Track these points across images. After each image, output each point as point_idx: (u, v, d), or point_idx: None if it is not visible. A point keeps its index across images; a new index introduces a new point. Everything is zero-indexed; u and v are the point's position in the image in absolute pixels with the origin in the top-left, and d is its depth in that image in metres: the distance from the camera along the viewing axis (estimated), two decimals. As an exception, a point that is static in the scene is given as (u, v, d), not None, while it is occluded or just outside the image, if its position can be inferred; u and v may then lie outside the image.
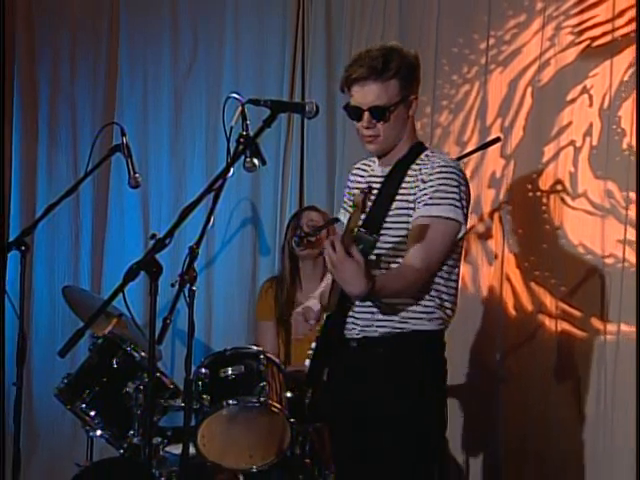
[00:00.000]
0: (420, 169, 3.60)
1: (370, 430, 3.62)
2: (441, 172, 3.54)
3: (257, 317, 5.46)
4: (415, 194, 3.56)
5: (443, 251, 3.56)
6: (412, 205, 3.56)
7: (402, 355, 3.62)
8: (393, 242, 3.59)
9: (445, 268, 3.63)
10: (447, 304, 3.66)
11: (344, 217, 3.88)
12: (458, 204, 3.53)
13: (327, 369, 3.76)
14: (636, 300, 4.79)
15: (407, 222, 3.57)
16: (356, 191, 3.61)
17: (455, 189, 3.53)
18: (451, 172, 3.55)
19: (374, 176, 3.75)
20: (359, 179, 3.83)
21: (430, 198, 3.52)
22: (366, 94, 3.59)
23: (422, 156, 3.65)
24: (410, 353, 3.63)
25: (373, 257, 3.56)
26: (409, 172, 3.62)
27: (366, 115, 3.60)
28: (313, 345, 3.85)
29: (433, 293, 3.62)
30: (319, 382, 3.82)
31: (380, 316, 3.61)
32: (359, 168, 3.87)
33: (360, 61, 3.60)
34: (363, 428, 3.64)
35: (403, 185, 3.61)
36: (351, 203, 3.70)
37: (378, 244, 3.51)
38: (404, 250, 3.55)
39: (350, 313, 3.67)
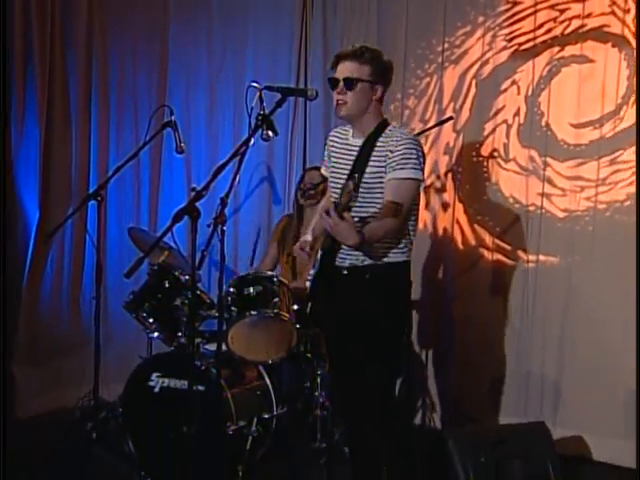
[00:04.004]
0: (387, 141, 3.57)
1: (357, 335, 3.62)
2: (404, 144, 3.53)
3: (271, 238, 5.46)
4: (385, 160, 3.55)
5: (410, 203, 3.57)
6: (383, 169, 3.55)
7: (382, 279, 3.63)
8: (369, 196, 3.58)
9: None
10: (411, 233, 3.68)
11: (325, 170, 3.87)
12: (418, 167, 3.54)
13: (323, 289, 3.75)
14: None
15: (380, 181, 3.56)
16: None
17: (414, 155, 3.53)
18: (411, 143, 3.55)
19: (350, 145, 3.71)
20: (336, 140, 3.79)
21: (397, 164, 3.52)
22: (344, 69, 3.60)
23: (387, 130, 3.62)
24: (387, 278, 3.63)
25: (354, 207, 3.51)
26: (378, 143, 3.60)
27: (340, 84, 3.60)
28: (312, 272, 3.89)
29: (405, 232, 3.63)
30: (317, 298, 3.81)
31: (364, 251, 3.59)
32: (335, 134, 3.81)
33: (348, 49, 3.65)
34: (352, 335, 3.65)
35: (374, 153, 3.58)
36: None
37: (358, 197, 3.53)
38: (377, 201, 3.56)
39: (341, 249, 3.65)
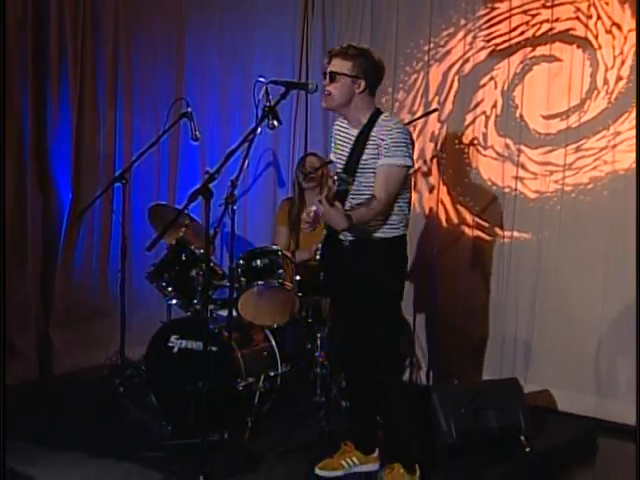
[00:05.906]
0: (380, 130, 3.55)
1: (359, 298, 3.65)
2: (395, 132, 3.51)
3: (277, 222, 5.36)
4: (377, 148, 3.54)
5: (398, 187, 3.54)
6: (376, 156, 3.54)
7: (379, 251, 3.63)
8: (364, 180, 3.58)
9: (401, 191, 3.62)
10: (405, 210, 3.66)
11: (334, 155, 3.77)
12: (407, 153, 3.51)
13: (330, 260, 3.80)
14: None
15: (373, 167, 3.55)
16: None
17: (403, 143, 3.51)
18: (400, 132, 3.53)
19: (350, 135, 3.66)
20: (340, 129, 3.74)
21: (388, 151, 3.51)
22: (333, 64, 3.60)
23: (379, 120, 3.58)
24: (384, 250, 3.63)
25: (351, 190, 3.60)
26: (372, 133, 3.57)
27: (327, 76, 3.61)
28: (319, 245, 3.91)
29: (397, 209, 3.61)
30: (325, 269, 3.89)
31: (363, 227, 3.59)
32: (339, 123, 3.76)
33: (337, 47, 3.66)
34: (351, 299, 3.70)
35: (369, 141, 3.56)
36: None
37: (354, 183, 3.58)
38: (371, 185, 3.55)
39: None
